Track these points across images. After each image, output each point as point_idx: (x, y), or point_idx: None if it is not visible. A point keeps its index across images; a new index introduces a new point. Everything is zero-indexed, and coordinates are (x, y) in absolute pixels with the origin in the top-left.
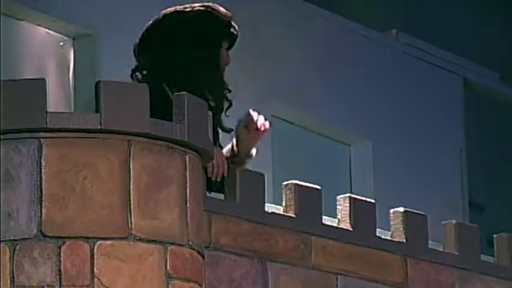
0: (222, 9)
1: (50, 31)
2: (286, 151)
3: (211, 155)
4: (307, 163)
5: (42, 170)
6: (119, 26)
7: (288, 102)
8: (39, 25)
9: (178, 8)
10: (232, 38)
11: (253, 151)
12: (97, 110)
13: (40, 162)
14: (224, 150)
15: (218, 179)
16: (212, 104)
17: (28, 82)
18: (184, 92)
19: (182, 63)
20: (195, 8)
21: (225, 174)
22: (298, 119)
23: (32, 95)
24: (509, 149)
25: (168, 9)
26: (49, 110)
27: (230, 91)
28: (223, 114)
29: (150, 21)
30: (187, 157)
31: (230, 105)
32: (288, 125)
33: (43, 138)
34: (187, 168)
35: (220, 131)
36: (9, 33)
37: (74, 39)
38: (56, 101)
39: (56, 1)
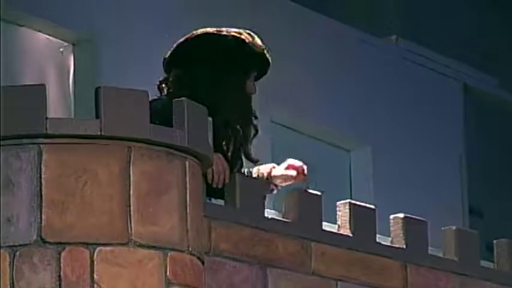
0: (257, 39)
1: (50, 37)
2: (286, 157)
3: (211, 161)
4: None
5: (42, 176)
6: (118, 32)
7: (288, 108)
8: (40, 31)
9: (215, 29)
10: (261, 70)
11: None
12: (97, 116)
13: (40, 168)
14: (262, 167)
15: (219, 186)
16: (237, 129)
17: (28, 88)
18: (183, 98)
19: (207, 84)
20: (231, 33)
21: (227, 181)
22: (298, 124)
23: (32, 100)
24: (509, 154)
25: (206, 28)
26: (49, 115)
27: (256, 118)
28: (249, 143)
29: (184, 37)
30: (187, 163)
31: (256, 133)
32: (288, 130)
33: (43, 144)
34: (187, 174)
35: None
36: (10, 39)
37: (74, 45)
38: (56, 106)
39: (57, 7)
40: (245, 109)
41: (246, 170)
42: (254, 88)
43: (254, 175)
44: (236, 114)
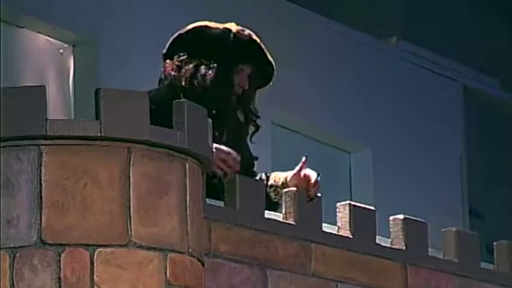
0: (247, 30)
1: (50, 38)
2: (286, 158)
3: (211, 162)
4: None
5: (42, 177)
6: (119, 33)
7: (288, 109)
8: (39, 32)
9: (207, 23)
10: (255, 63)
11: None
12: (97, 117)
13: (40, 170)
14: (279, 173)
15: (224, 182)
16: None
17: (28, 89)
18: (184, 100)
19: (196, 76)
20: (221, 26)
21: (238, 164)
22: (298, 126)
23: (32, 102)
24: (509, 156)
25: (198, 23)
26: (49, 117)
27: (258, 117)
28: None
29: (177, 32)
30: (187, 164)
31: (257, 129)
32: (288, 132)
33: (43, 145)
34: (187, 175)
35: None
36: (10, 41)
37: (74, 46)
38: (56, 108)
39: (56, 8)
40: (223, 101)
41: (262, 174)
42: (245, 83)
43: (271, 180)
44: (217, 106)
